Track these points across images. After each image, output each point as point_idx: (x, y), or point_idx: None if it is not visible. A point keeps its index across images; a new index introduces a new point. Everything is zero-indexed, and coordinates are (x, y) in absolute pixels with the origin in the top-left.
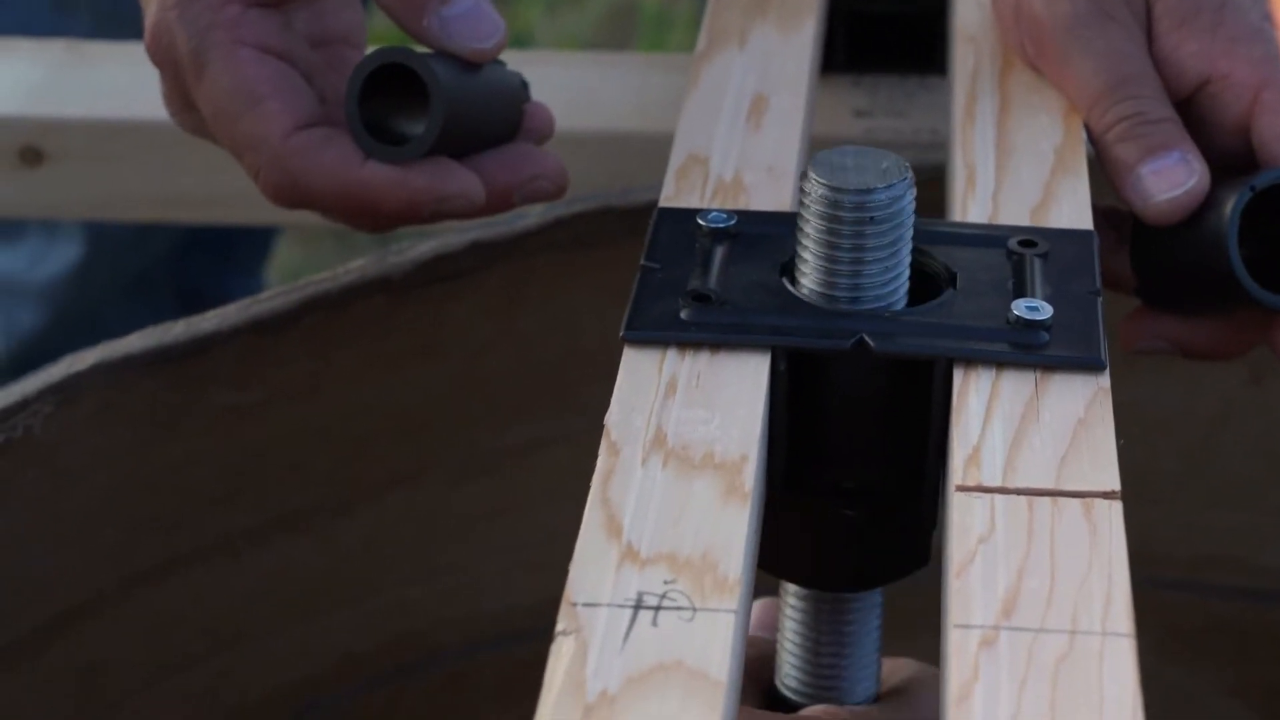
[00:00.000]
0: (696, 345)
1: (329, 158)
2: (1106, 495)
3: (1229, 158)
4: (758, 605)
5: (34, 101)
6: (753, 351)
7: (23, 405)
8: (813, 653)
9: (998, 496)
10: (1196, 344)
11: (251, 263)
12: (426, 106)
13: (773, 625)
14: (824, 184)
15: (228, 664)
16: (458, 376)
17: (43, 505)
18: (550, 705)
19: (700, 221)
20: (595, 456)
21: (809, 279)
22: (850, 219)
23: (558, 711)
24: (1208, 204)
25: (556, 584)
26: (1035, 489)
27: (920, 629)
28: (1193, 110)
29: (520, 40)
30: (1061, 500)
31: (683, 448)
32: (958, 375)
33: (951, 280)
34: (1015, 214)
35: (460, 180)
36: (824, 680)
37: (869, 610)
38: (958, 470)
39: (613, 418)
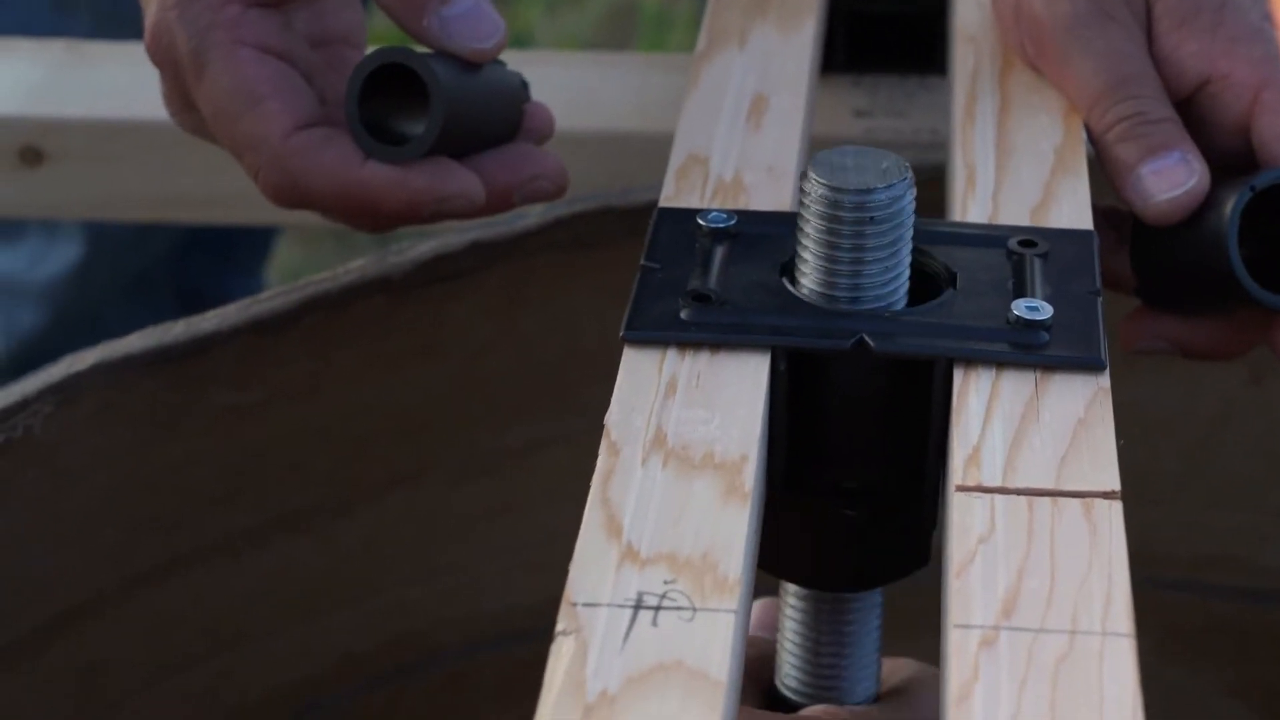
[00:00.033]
0: (696, 345)
1: (329, 158)
2: (1106, 495)
3: (1229, 158)
4: (758, 605)
5: (34, 101)
6: (753, 351)
7: (23, 405)
8: (813, 653)
9: (998, 496)
10: (1196, 344)
11: (251, 263)
12: (426, 106)
13: (773, 625)
14: (824, 184)
15: (228, 664)
16: (458, 377)
17: (43, 505)
18: (550, 705)
19: (700, 221)
20: (595, 457)
21: (809, 279)
22: (850, 219)
23: (558, 711)
24: (1208, 204)
25: (557, 584)
26: (1035, 489)
27: (922, 629)
28: (1193, 110)
29: (520, 40)
30: (1061, 500)
31: (683, 448)
32: (958, 375)
33: (951, 280)
34: (1015, 214)
35: (460, 180)
36: (824, 680)
37: (869, 610)
38: (958, 470)
39: (613, 418)
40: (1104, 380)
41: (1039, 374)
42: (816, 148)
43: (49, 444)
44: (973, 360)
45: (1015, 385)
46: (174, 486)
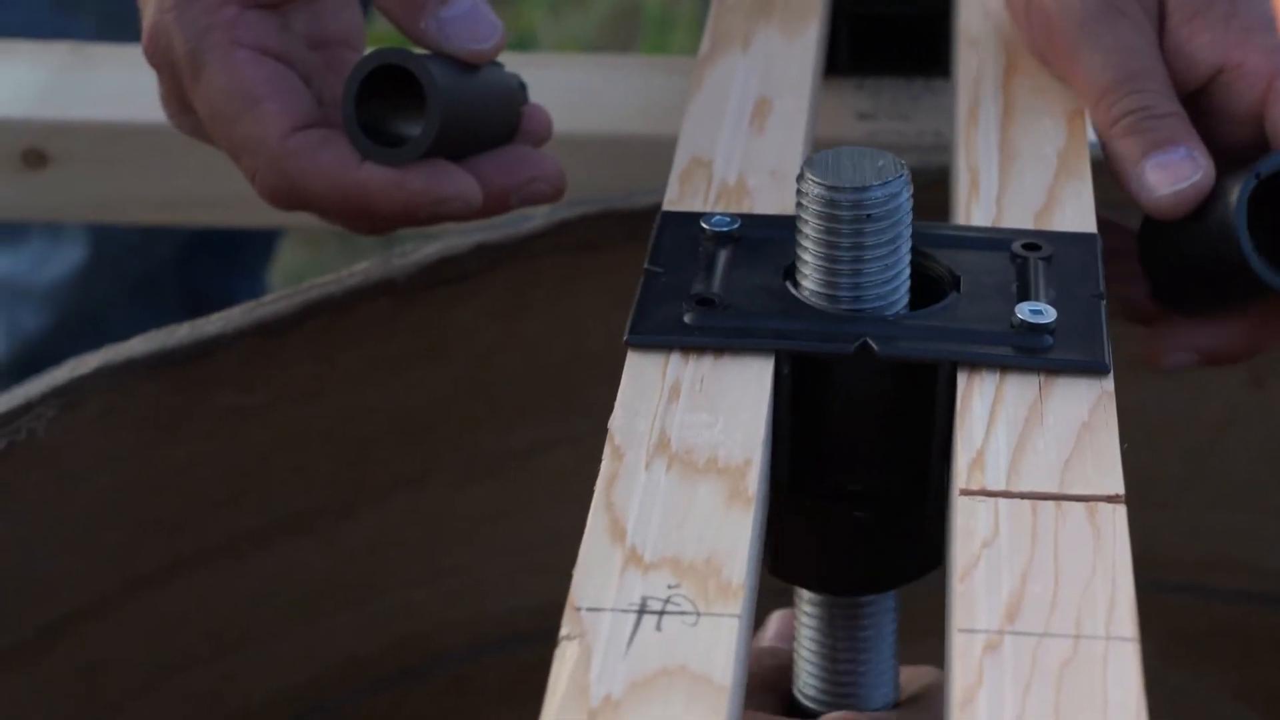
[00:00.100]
0: (700, 349)
1: (326, 159)
2: (1110, 499)
3: (1242, 148)
4: (777, 616)
5: (38, 104)
6: (756, 355)
7: (26, 408)
8: (829, 659)
9: (1001, 500)
10: (1221, 346)
11: (255, 265)
12: (424, 108)
13: (791, 636)
14: (820, 183)
15: (231, 666)
16: (462, 379)
17: (46, 508)
18: (554, 710)
19: (704, 225)
20: (599, 459)
21: (810, 281)
22: (848, 218)
23: (562, 716)
24: (1215, 196)
25: (561, 586)
26: (1039, 493)
27: (922, 632)
28: (1206, 101)
29: (523, 41)
30: (1065, 504)
31: (686, 452)
32: (961, 379)
33: (955, 284)
34: (1019, 217)
35: (457, 182)
36: (841, 687)
37: (883, 614)
38: (961, 474)
39: (616, 422)
40: (1108, 384)
41: (1043, 377)
42: (820, 151)
43: (52, 447)
44: (977, 364)
45: (1019, 389)
46: (177, 489)
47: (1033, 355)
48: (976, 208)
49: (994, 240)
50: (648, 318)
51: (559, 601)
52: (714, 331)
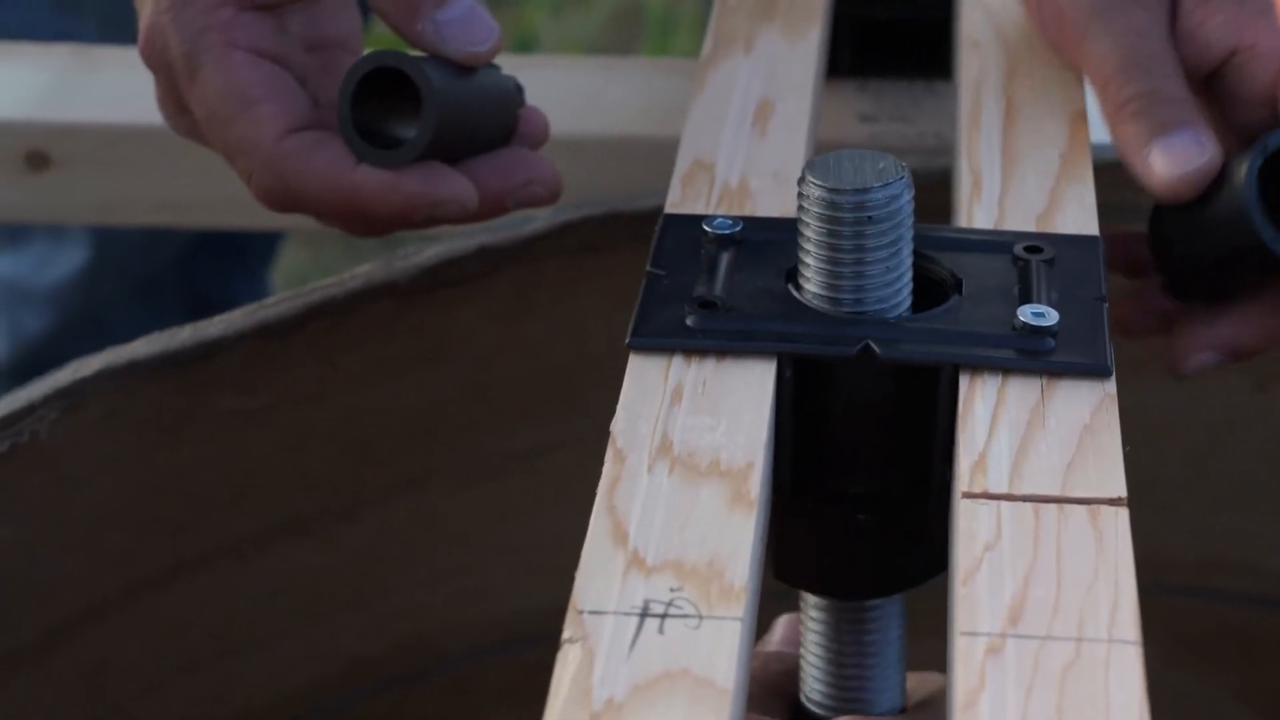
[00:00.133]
0: (702, 352)
1: (321, 161)
2: (1113, 502)
3: (1256, 131)
4: (784, 621)
5: (40, 106)
6: (758, 358)
7: (29, 410)
8: (835, 664)
9: (1004, 503)
10: (1242, 337)
11: (257, 267)
12: (420, 111)
13: (798, 640)
14: (821, 186)
15: (234, 668)
16: (464, 381)
17: (49, 510)
18: (556, 713)
19: (706, 228)
20: (601, 462)
21: (812, 284)
22: (849, 219)
23: (564, 719)
24: (1226, 177)
25: (563, 589)
26: (1041, 496)
27: (923, 633)
28: (1219, 85)
29: (525, 42)
30: (1068, 507)
31: (689, 455)
32: (964, 381)
33: (957, 286)
34: (1021, 220)
35: (453, 185)
36: (848, 692)
37: (889, 619)
38: (964, 477)
39: (619, 425)
40: (1110, 386)
41: (1045, 380)
42: (822, 153)
43: (55, 449)
44: (979, 366)
45: (1021, 391)
46: (180, 491)
47: (1035, 358)
48: (978, 210)
49: (996, 243)
50: (650, 320)
51: (561, 603)
52: (716, 334)
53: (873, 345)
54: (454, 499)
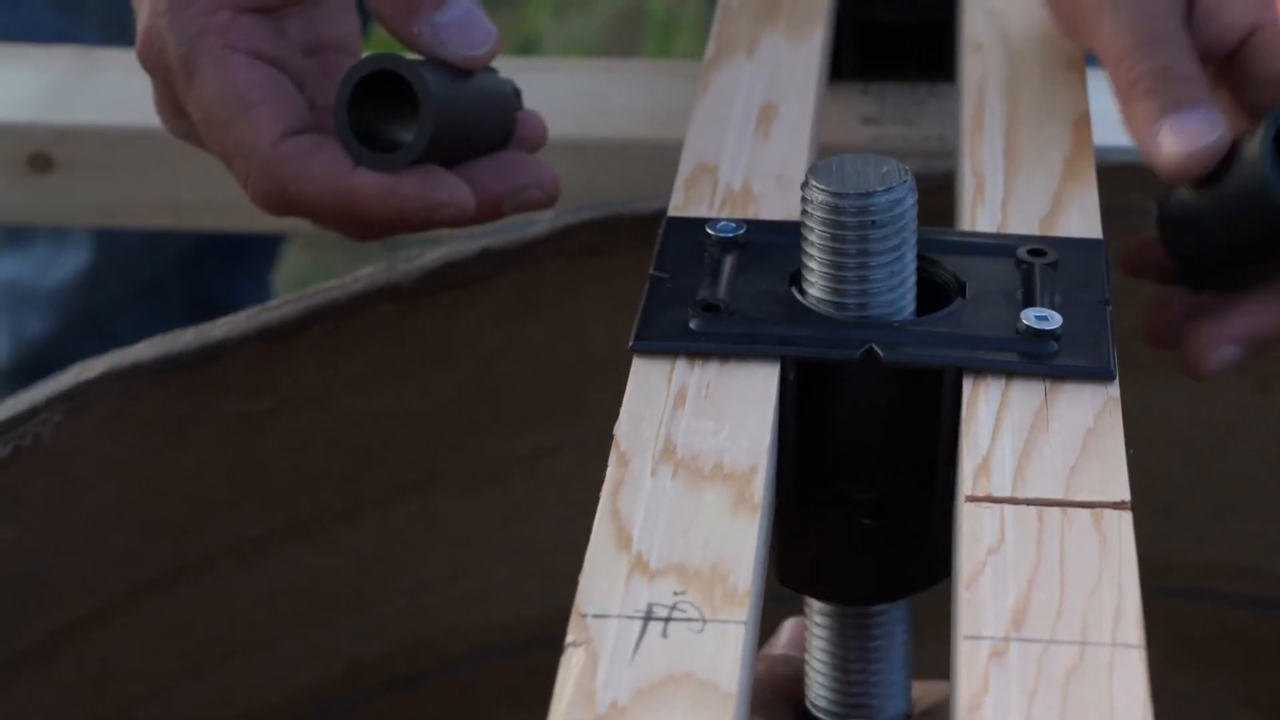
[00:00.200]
0: (706, 355)
1: (318, 165)
2: (1116, 505)
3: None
4: (790, 624)
5: (43, 109)
6: (762, 361)
7: (32, 413)
8: (840, 670)
9: (1007, 507)
10: (1261, 325)
11: (260, 269)
12: (417, 114)
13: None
14: (825, 190)
15: (237, 670)
16: (467, 384)
17: (52, 513)
18: (560, 716)
19: (709, 231)
20: (604, 465)
21: (816, 288)
22: (853, 224)
23: None
24: (1236, 156)
25: (565, 591)
26: (1045, 499)
27: (925, 636)
28: (1238, 65)
29: (527, 44)
30: (1071, 511)
31: (692, 458)
32: (967, 385)
33: (961, 290)
34: (1024, 223)
35: (450, 188)
36: (853, 698)
37: (894, 624)
38: (967, 480)
39: (622, 428)
40: (1113, 390)
41: (1048, 384)
42: (825, 156)
43: (58, 452)
44: (982, 370)
45: (1024, 395)
46: (183, 494)
47: (1038, 361)
48: (982, 213)
49: (999, 246)
50: (653, 324)
51: (563, 606)
52: (720, 338)
53: (876, 348)
54: (456, 501)
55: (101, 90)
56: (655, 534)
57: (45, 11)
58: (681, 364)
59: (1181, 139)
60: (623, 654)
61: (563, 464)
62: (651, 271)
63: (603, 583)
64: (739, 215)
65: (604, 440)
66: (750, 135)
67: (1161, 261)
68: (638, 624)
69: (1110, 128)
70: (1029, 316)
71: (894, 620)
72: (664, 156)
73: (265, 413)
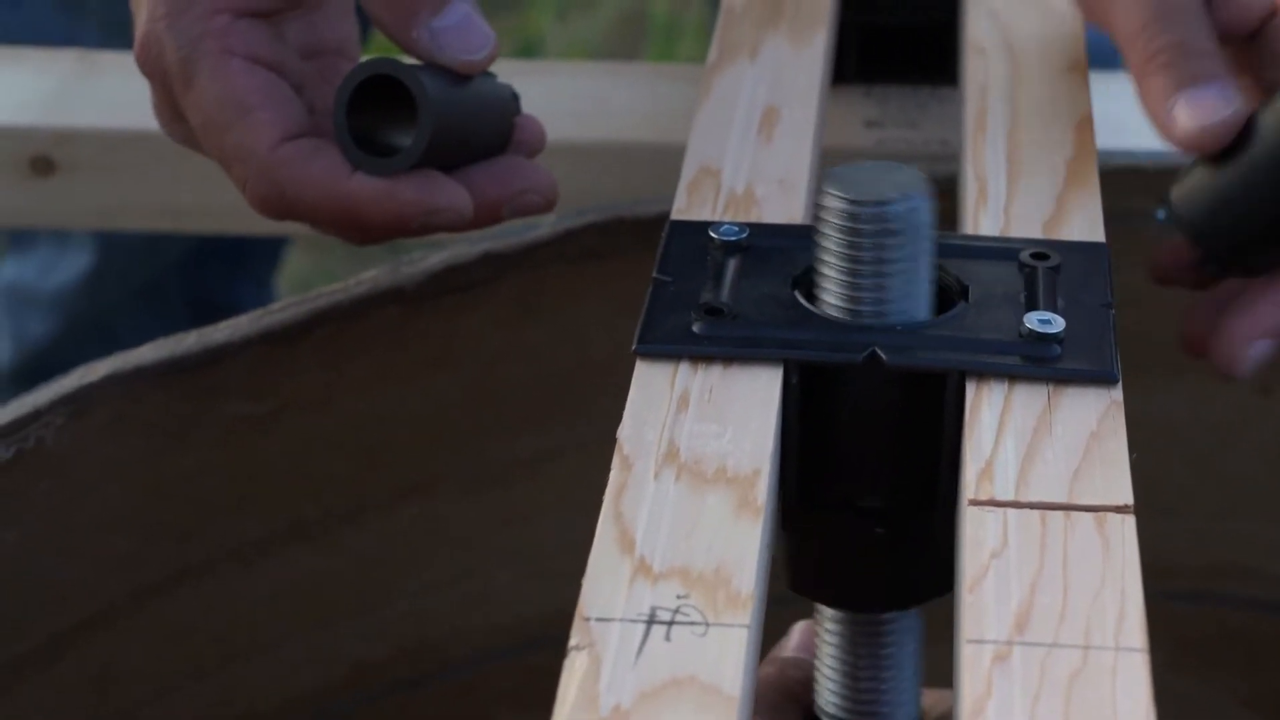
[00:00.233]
0: (709, 359)
1: (316, 169)
2: (1119, 509)
3: None
4: (801, 627)
5: (45, 111)
6: (765, 365)
7: (35, 416)
8: (850, 676)
9: (1010, 510)
10: None
11: (262, 271)
12: (415, 118)
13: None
14: (840, 197)
15: (239, 673)
16: (469, 387)
17: (55, 516)
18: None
19: (712, 234)
20: (606, 467)
21: (830, 295)
22: (869, 231)
23: None
24: (1254, 129)
25: (567, 594)
26: (1048, 503)
27: (929, 639)
28: (1259, 46)
29: (530, 47)
30: (1074, 514)
31: (695, 462)
32: (970, 388)
33: (963, 293)
34: (1027, 227)
35: (448, 193)
36: (863, 705)
37: (905, 633)
38: (970, 484)
39: (625, 432)
40: (1116, 393)
41: (1051, 387)
42: (827, 159)
43: (61, 455)
44: (985, 373)
45: (1028, 398)
46: (186, 496)
47: (1041, 365)
48: (984, 217)
49: (1002, 249)
50: (656, 327)
51: (566, 609)
52: (723, 341)
53: (879, 352)
54: (459, 504)
55: (103, 93)
56: (658, 537)
57: (46, 11)
58: (684, 367)
59: (1197, 112)
60: (626, 657)
61: (565, 466)
62: (654, 275)
63: (606, 586)
64: (742, 219)
65: (606, 443)
66: (753, 139)
67: (1189, 266)
68: (641, 627)
69: (1113, 131)
70: (1032, 320)
71: (905, 628)
72: (666, 160)
73: (268, 415)
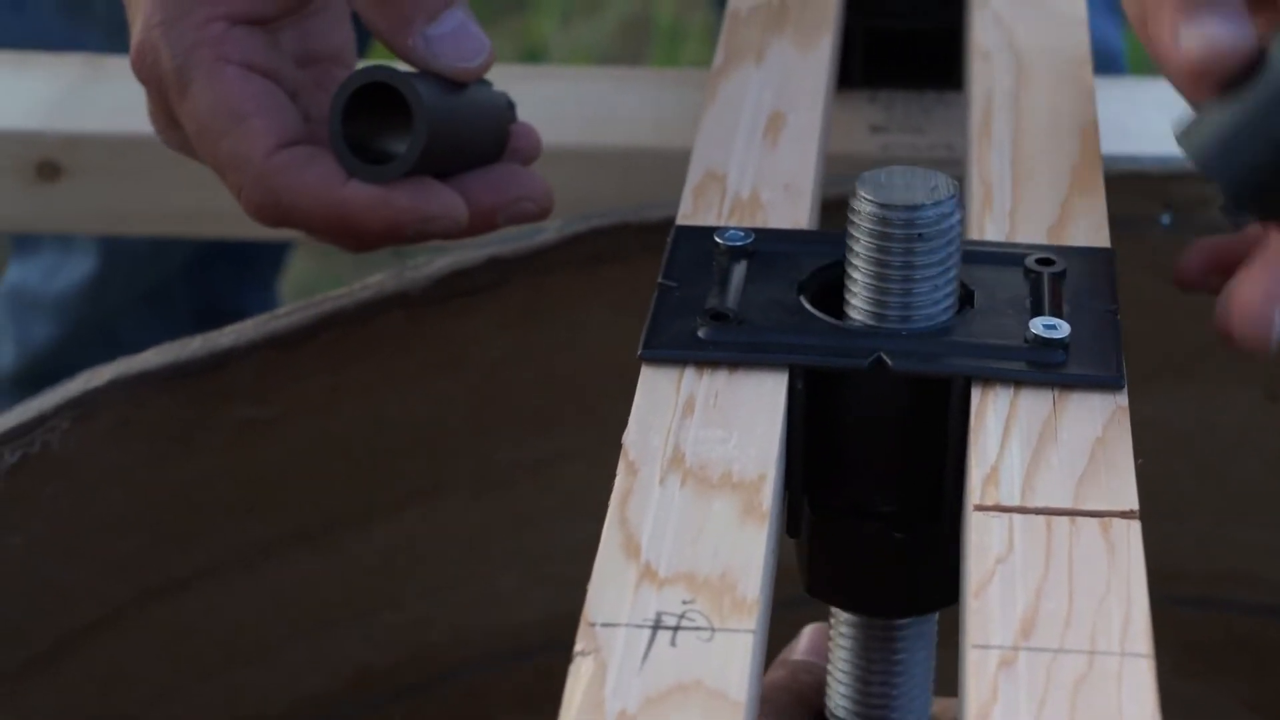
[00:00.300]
0: (714, 364)
1: (311, 177)
2: (1125, 515)
3: None
4: (810, 631)
5: (51, 116)
6: (770, 370)
7: (40, 421)
8: (862, 680)
9: (1016, 516)
10: None
11: (266, 276)
12: (410, 126)
13: (823, 650)
14: (872, 201)
15: (245, 678)
16: (474, 391)
17: (60, 519)
18: None
19: (718, 239)
20: (612, 472)
21: (858, 299)
22: (900, 236)
23: None
24: (1267, 59)
25: (573, 598)
26: (1053, 509)
27: (939, 644)
28: None
29: (534, 52)
30: (1080, 520)
31: (701, 467)
32: (975, 394)
33: (969, 298)
34: (1032, 232)
35: (443, 200)
36: (874, 710)
37: (919, 639)
38: (975, 490)
39: (630, 437)
40: (1122, 399)
41: (1057, 393)
42: (832, 164)
43: (67, 459)
44: (990, 379)
45: (1033, 404)
46: (191, 501)
47: (1047, 370)
48: (989, 222)
49: (1007, 255)
50: (662, 332)
51: (571, 613)
52: (728, 346)
53: (885, 357)
54: (463, 509)
55: (109, 98)
56: (664, 543)
57: (50, 15)
58: (690, 372)
59: (1203, 39)
60: (631, 663)
61: (569, 471)
62: (660, 280)
63: (611, 591)
64: (747, 224)
65: (611, 448)
66: (758, 143)
67: (1211, 270)
68: (646, 633)
69: (1118, 136)
70: (1037, 325)
71: (919, 634)
72: (671, 165)
73: (273, 420)
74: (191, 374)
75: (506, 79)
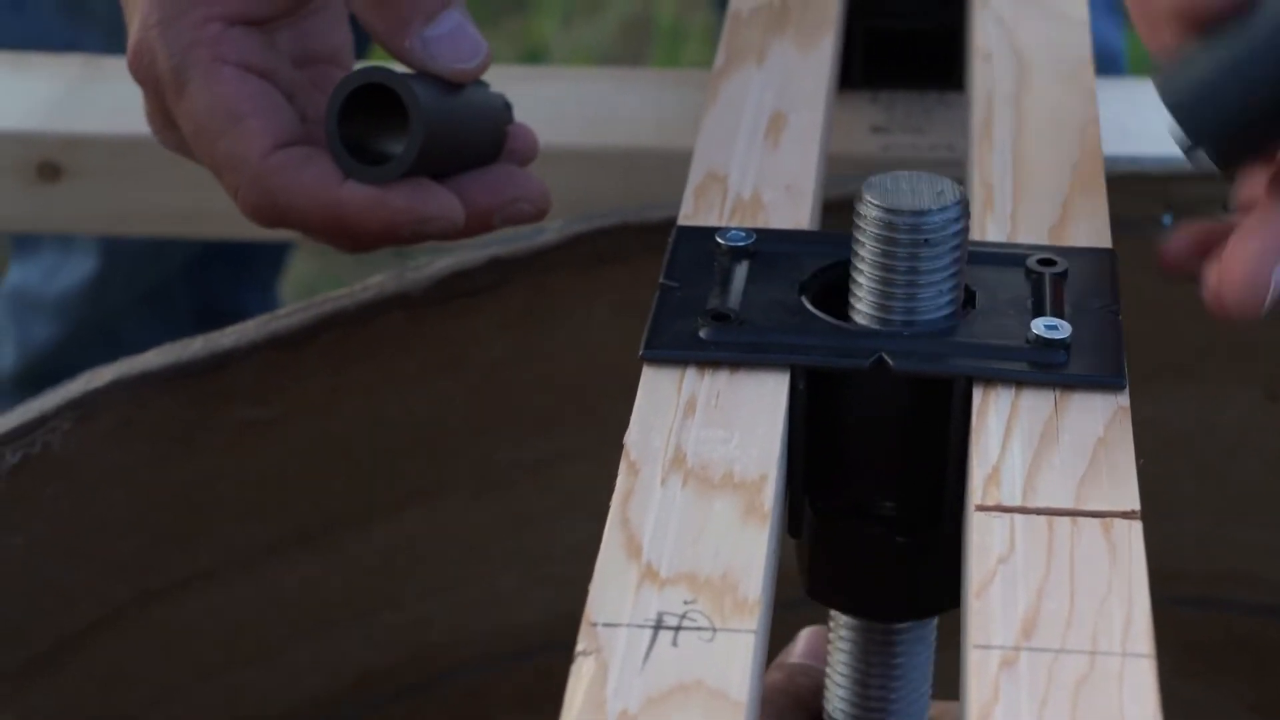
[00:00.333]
0: (715, 364)
1: (308, 177)
2: (1126, 515)
3: None
4: (807, 633)
5: (52, 117)
6: (771, 370)
7: (41, 421)
8: (861, 684)
9: (1017, 516)
10: None
11: (267, 276)
12: (407, 127)
13: (821, 653)
14: (878, 206)
15: (245, 679)
16: (476, 392)
17: (61, 520)
18: None
19: (719, 240)
20: (613, 471)
21: (863, 302)
22: (905, 241)
23: None
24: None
25: (574, 599)
26: (1055, 509)
27: (938, 646)
28: None
29: (535, 53)
30: (1081, 520)
31: (702, 467)
32: (977, 394)
33: (970, 299)
34: (1034, 233)
35: (440, 201)
36: (872, 713)
37: (918, 643)
38: (977, 490)
39: (632, 437)
40: (1123, 399)
41: (1058, 393)
42: (834, 165)
43: (68, 459)
44: (992, 379)
45: (1034, 404)
46: (192, 502)
47: (1048, 370)
48: (991, 223)
49: (1009, 255)
50: (663, 332)
51: (572, 614)
52: (729, 346)
53: (886, 358)
54: (465, 509)
55: (109, 99)
56: (665, 543)
57: (50, 15)
58: (691, 373)
59: None
60: (633, 663)
61: (570, 471)
62: (661, 280)
63: (613, 592)
64: (749, 224)
65: (612, 448)
66: (760, 144)
67: (1199, 256)
68: (648, 633)
69: (1119, 137)
70: (1039, 326)
71: (918, 638)
72: (673, 165)
73: (274, 420)
74: (193, 374)
75: (507, 80)
